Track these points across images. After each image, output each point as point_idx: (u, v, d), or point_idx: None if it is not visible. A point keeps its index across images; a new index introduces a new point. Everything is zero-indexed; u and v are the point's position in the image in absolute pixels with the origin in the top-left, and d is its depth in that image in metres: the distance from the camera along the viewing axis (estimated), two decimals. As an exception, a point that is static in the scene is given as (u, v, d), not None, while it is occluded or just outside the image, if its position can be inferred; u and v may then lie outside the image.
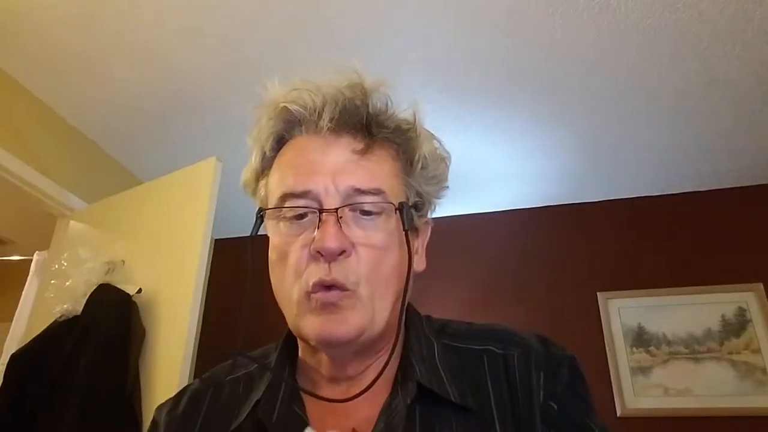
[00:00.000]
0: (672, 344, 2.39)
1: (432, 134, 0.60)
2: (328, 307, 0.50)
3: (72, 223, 2.14)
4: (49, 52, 1.84)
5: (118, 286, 1.67)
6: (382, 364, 0.51)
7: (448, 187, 0.62)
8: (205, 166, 1.75)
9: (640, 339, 2.43)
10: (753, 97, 2.01)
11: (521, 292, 2.66)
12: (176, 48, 1.82)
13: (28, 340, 1.66)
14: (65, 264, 1.74)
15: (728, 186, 2.59)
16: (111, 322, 1.58)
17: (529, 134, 2.26)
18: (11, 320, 2.12)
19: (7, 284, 3.08)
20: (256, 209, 0.57)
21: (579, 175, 2.55)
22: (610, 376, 2.38)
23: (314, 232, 0.51)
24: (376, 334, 0.53)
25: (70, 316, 1.63)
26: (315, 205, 0.52)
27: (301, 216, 0.53)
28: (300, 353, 0.59)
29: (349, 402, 0.52)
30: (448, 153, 0.61)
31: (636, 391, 2.34)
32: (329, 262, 0.50)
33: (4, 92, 1.94)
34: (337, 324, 0.50)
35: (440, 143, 0.61)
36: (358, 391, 0.51)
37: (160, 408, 0.61)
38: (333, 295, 0.50)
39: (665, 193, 2.66)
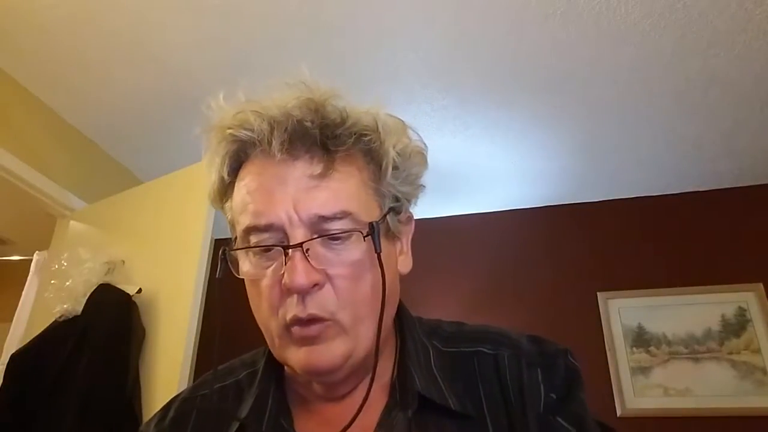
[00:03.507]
0: (672, 344, 2.39)
1: (402, 128, 0.56)
2: (308, 340, 0.49)
3: (72, 223, 2.14)
4: (49, 52, 1.84)
5: (118, 286, 1.67)
6: (378, 378, 0.50)
7: (424, 186, 0.59)
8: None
9: (640, 339, 2.43)
10: (753, 97, 2.01)
11: (521, 292, 2.66)
12: (176, 48, 1.82)
13: (28, 340, 1.66)
14: (65, 264, 1.74)
15: (728, 186, 2.59)
16: (111, 322, 1.58)
17: (529, 134, 2.26)
18: (11, 320, 2.12)
19: (7, 284, 3.08)
20: (227, 224, 0.56)
21: (579, 175, 2.55)
22: (610, 376, 2.38)
23: (282, 267, 0.48)
24: (363, 357, 0.51)
25: (70, 316, 1.63)
26: (280, 236, 0.49)
27: (268, 249, 0.50)
28: (287, 369, 0.57)
29: (342, 410, 0.52)
30: (424, 144, 0.57)
31: (636, 391, 2.34)
32: (303, 297, 0.48)
33: (4, 92, 1.94)
34: (320, 354, 0.49)
35: (414, 134, 0.57)
36: (352, 404, 0.51)
37: (148, 422, 0.60)
38: (313, 329, 0.48)
39: (665, 193, 2.66)
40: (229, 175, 0.54)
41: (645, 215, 2.67)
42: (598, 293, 2.54)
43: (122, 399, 1.49)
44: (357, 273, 0.50)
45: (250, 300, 0.53)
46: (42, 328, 1.65)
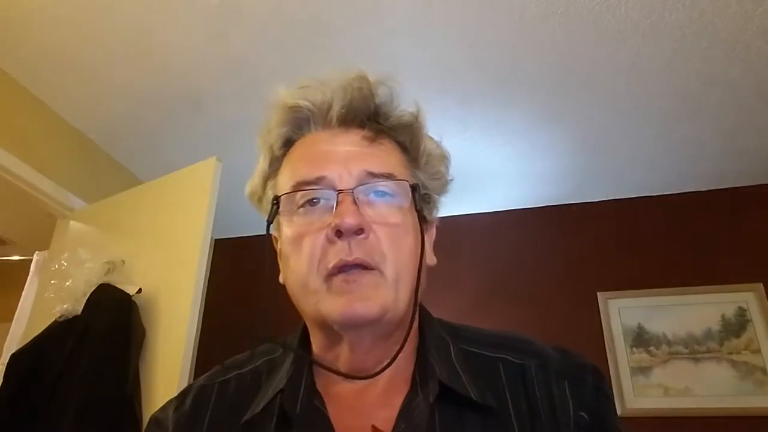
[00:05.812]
0: (672, 344, 2.39)
1: (431, 136, 0.61)
2: (350, 285, 0.49)
3: (72, 223, 2.14)
4: (50, 52, 1.84)
5: (118, 286, 1.67)
6: (400, 359, 0.51)
7: (451, 180, 0.63)
8: (205, 166, 1.75)
9: (640, 339, 2.43)
10: (753, 97, 2.01)
11: (521, 292, 2.66)
12: (176, 48, 1.82)
13: (28, 340, 1.66)
14: (65, 264, 1.74)
15: (728, 186, 2.59)
16: (111, 322, 1.58)
17: (529, 134, 2.26)
18: (11, 320, 2.12)
19: (7, 284, 3.08)
20: (268, 208, 0.57)
21: (579, 175, 2.55)
22: (610, 376, 2.38)
23: (330, 215, 0.50)
24: (398, 318, 0.52)
25: (70, 316, 1.63)
26: (329, 190, 0.52)
27: (315, 202, 0.52)
28: (315, 350, 0.57)
29: (366, 396, 0.53)
30: (447, 152, 0.62)
31: (636, 391, 2.34)
32: (348, 242, 0.49)
33: (4, 92, 1.94)
34: (360, 301, 0.49)
35: (439, 143, 0.62)
36: (374, 392, 0.52)
37: (164, 408, 0.59)
38: (357, 274, 0.49)
39: (665, 193, 2.66)
40: (280, 149, 0.58)
41: (645, 215, 2.67)
42: (598, 293, 2.54)
43: (122, 399, 1.49)
44: (399, 231, 0.52)
45: (286, 268, 0.55)
46: (42, 328, 1.65)
